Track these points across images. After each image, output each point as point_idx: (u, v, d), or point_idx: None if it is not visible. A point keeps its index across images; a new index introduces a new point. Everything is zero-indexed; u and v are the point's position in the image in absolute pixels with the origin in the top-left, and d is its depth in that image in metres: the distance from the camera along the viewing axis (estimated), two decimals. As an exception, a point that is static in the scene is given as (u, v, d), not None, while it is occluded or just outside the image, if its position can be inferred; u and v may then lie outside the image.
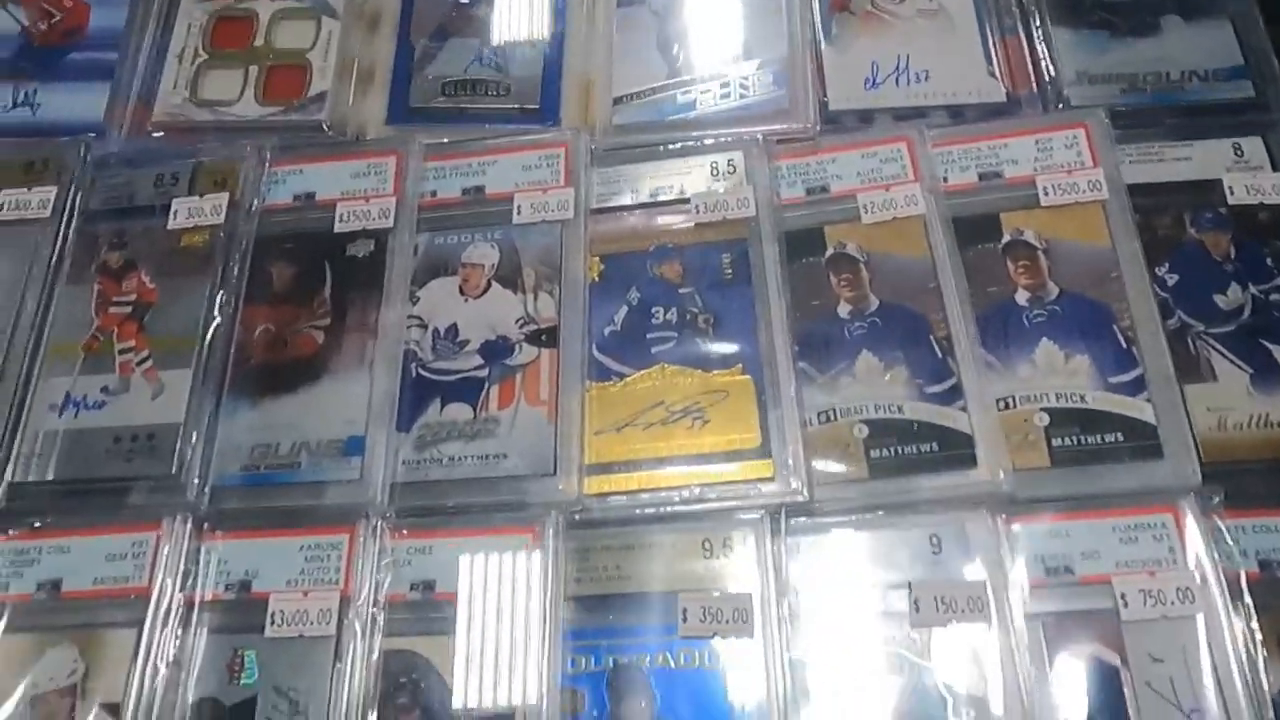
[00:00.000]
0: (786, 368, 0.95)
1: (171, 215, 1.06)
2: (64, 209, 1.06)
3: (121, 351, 1.00)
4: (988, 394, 0.93)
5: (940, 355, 0.95)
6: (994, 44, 1.15)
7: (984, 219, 1.03)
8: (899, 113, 1.12)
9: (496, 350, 0.99)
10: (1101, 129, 1.04)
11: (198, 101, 1.16)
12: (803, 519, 0.90)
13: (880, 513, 0.90)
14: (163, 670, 0.85)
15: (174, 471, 0.93)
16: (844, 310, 0.99)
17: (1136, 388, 0.92)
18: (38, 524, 0.93)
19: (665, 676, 0.85)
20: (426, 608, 0.88)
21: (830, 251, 1.02)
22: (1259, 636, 0.82)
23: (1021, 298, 0.99)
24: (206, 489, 0.93)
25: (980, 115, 1.11)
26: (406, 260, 1.03)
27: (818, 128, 1.10)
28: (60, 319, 1.02)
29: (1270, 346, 0.95)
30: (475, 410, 0.96)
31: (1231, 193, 1.02)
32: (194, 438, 0.94)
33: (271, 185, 1.09)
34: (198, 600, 0.89)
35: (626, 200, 1.07)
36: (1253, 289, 0.98)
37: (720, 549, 0.89)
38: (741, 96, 1.12)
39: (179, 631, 0.87)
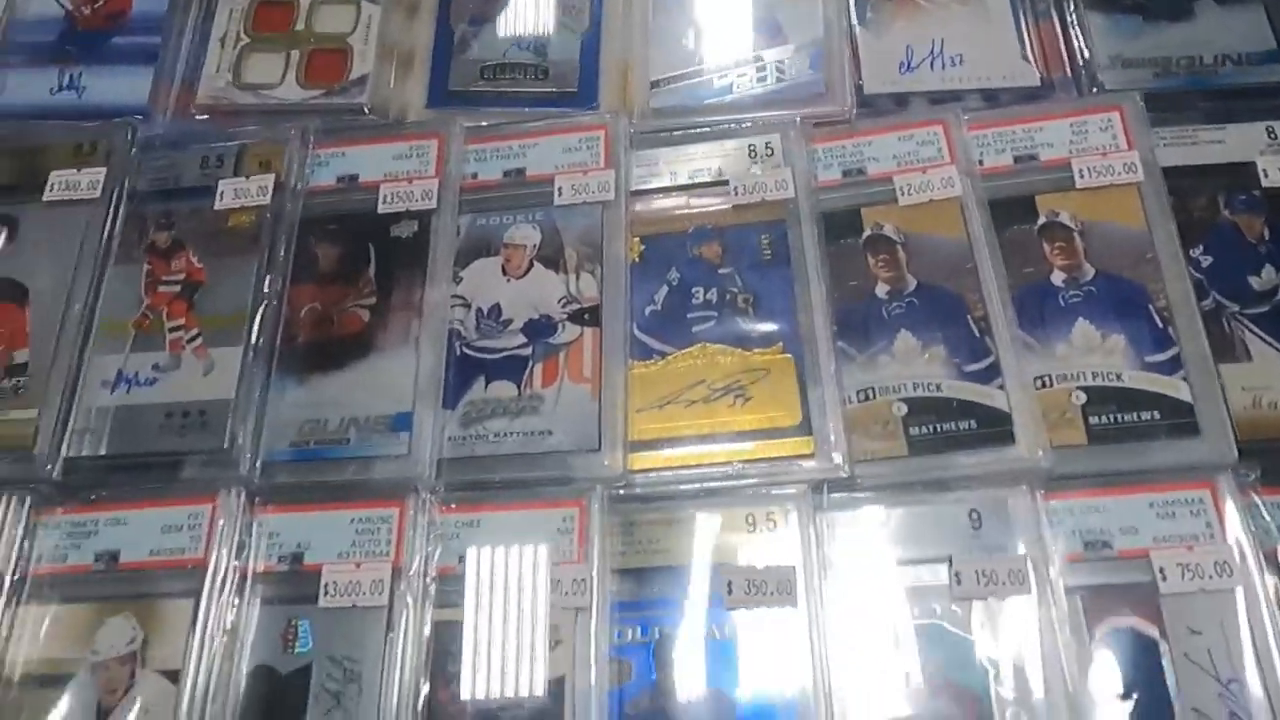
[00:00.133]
0: (826, 346, 0.96)
1: (218, 196, 1.07)
2: (113, 190, 1.08)
3: (171, 329, 1.02)
4: (1025, 372, 0.94)
5: (978, 335, 0.97)
6: (1027, 28, 1.16)
7: (1019, 201, 1.04)
8: (933, 96, 1.13)
9: (540, 329, 1.01)
10: (1136, 112, 1.06)
11: (240, 85, 1.17)
12: (844, 494, 0.91)
13: (920, 489, 0.92)
14: (219, 639, 0.87)
15: (226, 446, 0.95)
16: (882, 291, 1.01)
17: (1173, 367, 0.94)
18: (94, 497, 0.94)
19: (711, 648, 0.86)
20: (475, 580, 0.90)
21: (868, 233, 1.04)
22: (1295, 609, 0.83)
23: (1057, 278, 1.00)
24: (258, 463, 0.95)
25: (1014, 99, 1.12)
26: (450, 241, 1.05)
27: (853, 111, 1.11)
28: (110, 298, 1.04)
29: (1305, 327, 0.97)
30: (519, 387, 0.98)
31: (1265, 175, 1.03)
32: (245, 413, 0.96)
33: (315, 167, 1.10)
34: (250, 571, 0.91)
35: (665, 182, 1.08)
36: (1287, 271, 0.99)
37: (763, 523, 0.90)
38: (778, 80, 1.14)
39: (234, 601, 0.88)
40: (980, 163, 1.06)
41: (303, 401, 0.99)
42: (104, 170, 1.09)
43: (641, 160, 1.09)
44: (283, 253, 1.04)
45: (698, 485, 0.93)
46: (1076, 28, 1.14)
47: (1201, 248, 1.01)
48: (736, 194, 1.05)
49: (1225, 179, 1.04)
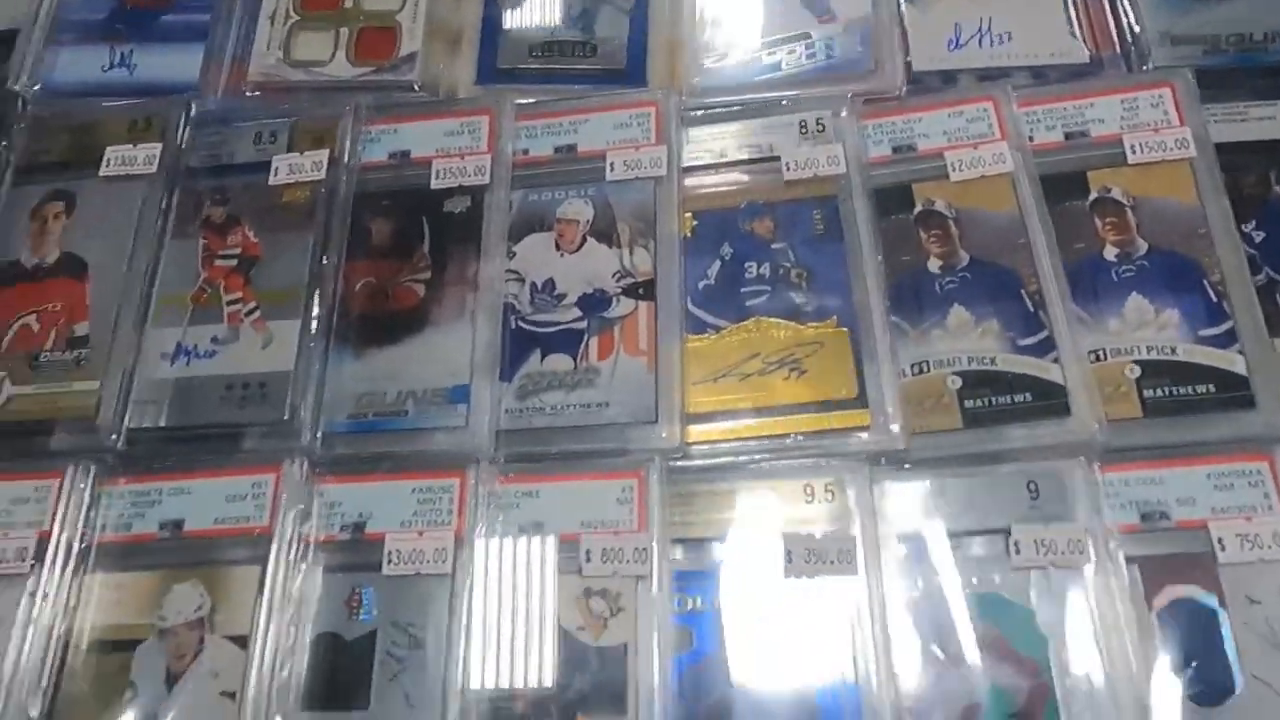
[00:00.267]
0: (881, 319, 0.97)
1: (273, 172, 1.08)
2: (169, 165, 1.09)
3: (229, 303, 1.03)
4: (1080, 346, 0.95)
5: (1032, 309, 0.97)
6: (1075, 5, 1.15)
7: (1070, 177, 1.04)
8: (982, 73, 1.13)
9: (594, 303, 1.01)
10: (1188, 88, 1.06)
11: (291, 62, 1.18)
12: (901, 466, 0.92)
13: (975, 461, 0.92)
14: (285, 605, 0.88)
15: (287, 418, 0.96)
16: (934, 265, 1.01)
17: (1227, 340, 0.94)
18: (156, 467, 0.96)
19: (770, 616, 0.87)
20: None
21: (919, 208, 1.04)
22: (1354, 578, 0.84)
23: (1110, 253, 1.00)
24: (318, 435, 0.96)
25: (1063, 76, 1.12)
26: (503, 216, 1.06)
27: (904, 88, 1.11)
28: (168, 272, 1.05)
29: (1356, 301, 0.97)
30: (575, 360, 0.99)
31: (1317, 152, 1.04)
32: (305, 385, 0.97)
33: (366, 144, 1.11)
34: (313, 540, 0.92)
35: (716, 159, 1.09)
36: (1339, 246, 1.00)
37: (822, 494, 0.91)
38: (827, 57, 1.14)
39: (299, 569, 0.90)
40: (1030, 139, 1.06)
41: (360, 374, 0.99)
42: (159, 146, 1.10)
43: (691, 137, 1.10)
44: (338, 227, 1.05)
45: (755, 457, 0.94)
46: (1125, 4, 1.14)
47: (1254, 223, 1.01)
48: (788, 170, 1.06)
49: (1276, 155, 1.04)
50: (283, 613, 0.87)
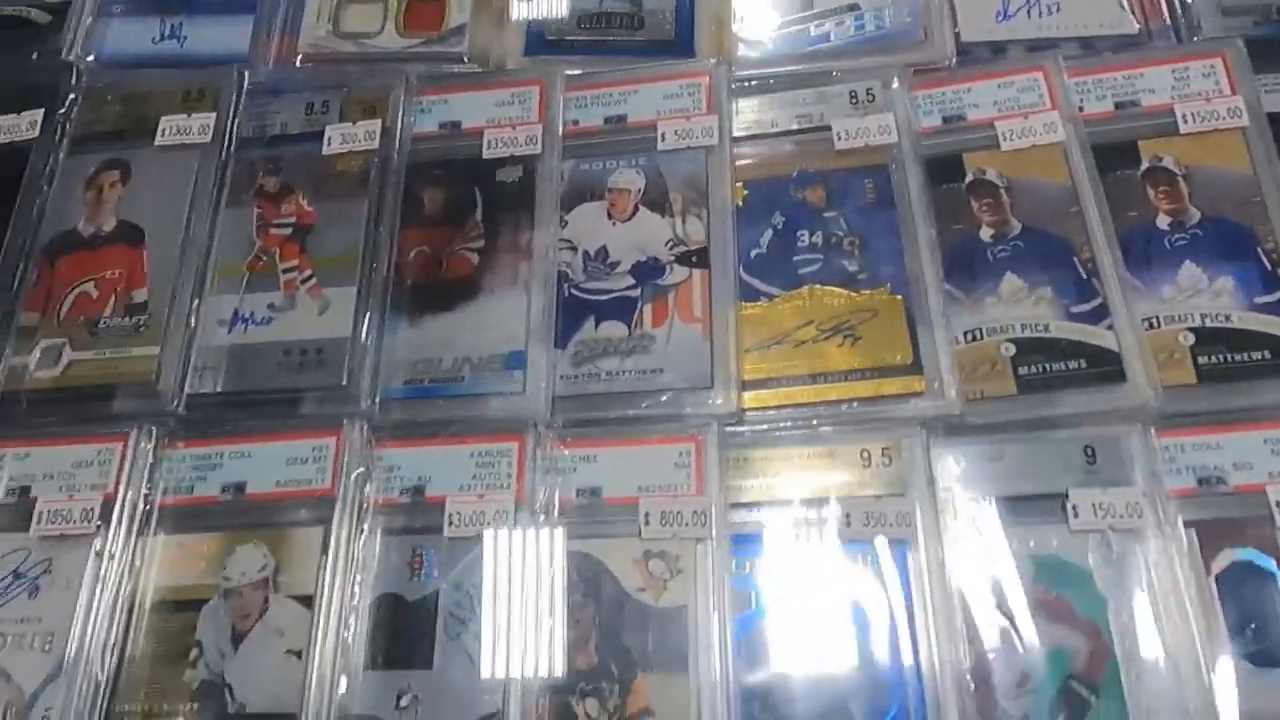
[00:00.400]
0: (935, 286, 0.97)
1: (325, 141, 1.09)
2: (223, 134, 1.10)
3: (285, 270, 1.04)
4: (1134, 313, 0.95)
5: (1085, 276, 0.97)
6: (1124, -24, 1.16)
7: (1121, 146, 1.04)
8: (1030, 44, 1.13)
9: (648, 271, 1.02)
10: (1239, 58, 1.06)
11: (340, 33, 1.19)
12: (956, 430, 0.93)
13: (1030, 426, 0.93)
14: (349, 566, 0.89)
15: (345, 383, 0.97)
16: (986, 234, 1.02)
17: (1282, 307, 0.95)
18: (217, 432, 0.97)
19: (827, 578, 0.88)
20: (594, 512, 0.92)
21: (970, 177, 1.04)
22: None
23: (1163, 222, 1.00)
24: (375, 400, 0.97)
25: (1112, 47, 1.12)
26: (554, 185, 1.06)
27: (953, 59, 1.12)
28: (223, 240, 1.06)
29: None
30: (630, 327, 0.99)
31: (1369, 121, 1.03)
32: (362, 351, 0.98)
33: (417, 114, 1.12)
34: (373, 503, 0.93)
35: (766, 129, 1.09)
36: (1393, 214, 0.99)
37: (878, 458, 0.91)
38: (877, 28, 1.14)
39: (361, 530, 0.91)
40: (1080, 109, 1.06)
41: (415, 341, 1.00)
42: (213, 115, 1.10)
43: (741, 107, 1.10)
44: (391, 196, 1.06)
45: (810, 422, 0.94)
46: (1176, -25, 1.14)
47: (1306, 193, 1.01)
48: (840, 139, 1.06)
49: (1328, 124, 1.04)
50: (347, 573, 0.88)
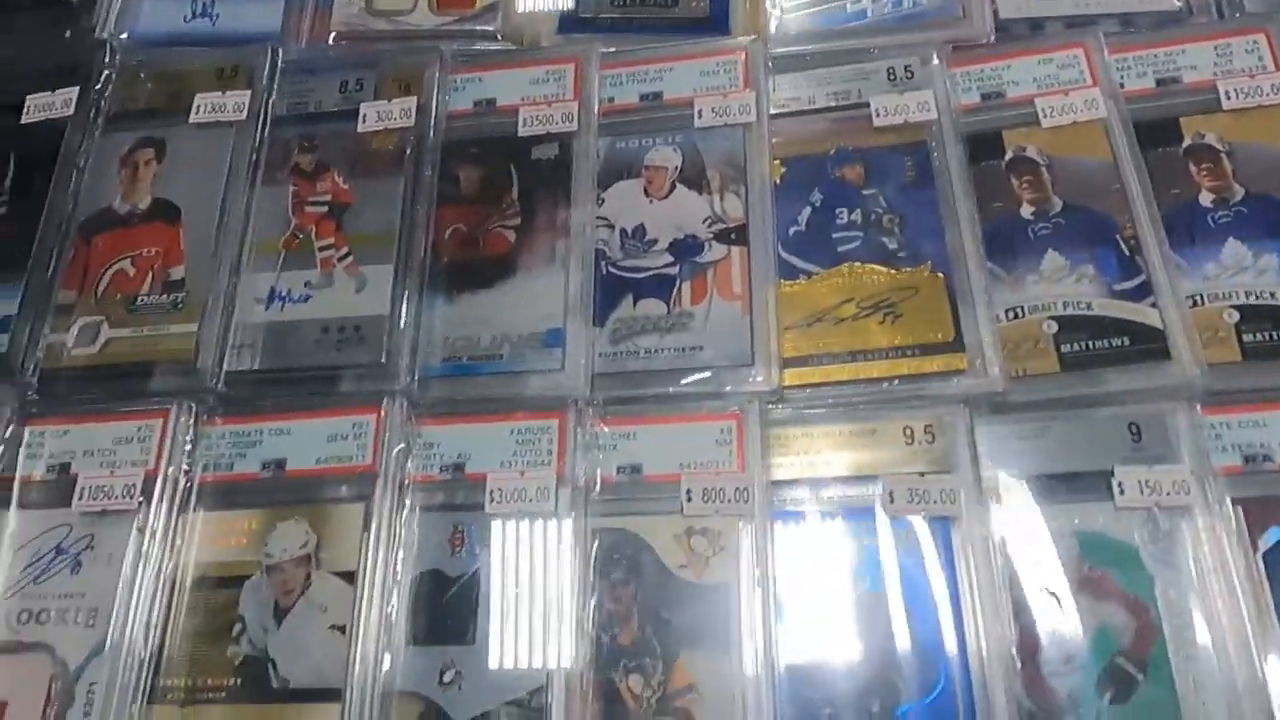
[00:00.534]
0: (977, 263, 0.97)
1: (361, 119, 1.09)
2: (258, 111, 1.09)
3: (321, 248, 1.03)
4: (1179, 290, 0.94)
5: (1128, 254, 0.97)
6: (1164, -48, 1.14)
7: (1163, 123, 1.03)
8: (1069, 21, 1.12)
9: (686, 248, 1.02)
10: (1284, 34, 1.05)
11: (373, 11, 1.19)
12: (1000, 407, 0.92)
13: (1075, 404, 0.92)
14: (391, 542, 0.89)
15: (383, 360, 0.96)
16: (1027, 211, 1.01)
17: (1331, 285, 0.94)
18: (256, 409, 0.96)
19: (871, 555, 0.88)
20: (634, 489, 0.91)
21: (1010, 155, 1.04)
22: None
23: (1205, 199, 1.00)
24: (414, 377, 0.96)
25: (1151, 24, 1.11)
26: (591, 162, 1.06)
27: (992, 35, 1.11)
28: (259, 218, 1.05)
29: None
30: (668, 305, 0.99)
31: None
32: (400, 328, 0.98)
33: (451, 92, 1.11)
34: (412, 480, 0.92)
35: (804, 106, 1.08)
36: None
37: (921, 436, 0.91)
38: (914, 5, 1.13)
39: (402, 506, 0.90)
40: (1121, 85, 1.05)
41: (452, 319, 1.00)
42: (248, 93, 1.10)
43: (779, 84, 1.09)
44: (427, 174, 1.05)
45: (852, 400, 0.94)
46: (1216, -48, 1.12)
47: (1351, 169, 1.00)
48: (878, 116, 1.05)
49: (1373, 100, 1.03)
50: (389, 549, 0.88)
